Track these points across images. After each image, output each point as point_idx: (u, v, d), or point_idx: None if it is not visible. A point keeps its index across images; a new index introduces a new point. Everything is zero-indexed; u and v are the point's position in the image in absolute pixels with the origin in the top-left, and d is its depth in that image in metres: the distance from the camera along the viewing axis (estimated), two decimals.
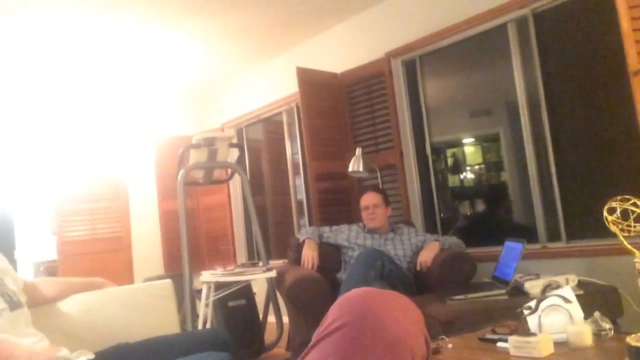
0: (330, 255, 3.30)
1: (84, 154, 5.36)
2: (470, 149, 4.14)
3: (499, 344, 1.56)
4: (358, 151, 3.75)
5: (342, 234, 3.34)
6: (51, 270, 5.21)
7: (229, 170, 4.26)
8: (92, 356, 1.62)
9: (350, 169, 3.73)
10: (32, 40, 4.15)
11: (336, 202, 4.10)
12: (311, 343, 0.84)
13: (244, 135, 5.85)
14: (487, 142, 4.05)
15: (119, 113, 5.68)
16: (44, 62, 4.66)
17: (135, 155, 5.74)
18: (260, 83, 5.42)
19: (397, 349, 0.80)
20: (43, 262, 5.40)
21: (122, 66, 5.00)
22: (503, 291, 2.41)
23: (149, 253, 5.59)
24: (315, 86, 4.14)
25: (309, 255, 3.16)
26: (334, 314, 0.84)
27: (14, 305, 1.56)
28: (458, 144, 4.15)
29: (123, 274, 5.22)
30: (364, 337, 0.80)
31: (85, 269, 4.86)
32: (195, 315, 3.37)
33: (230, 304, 3.60)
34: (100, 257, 5.20)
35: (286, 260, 3.50)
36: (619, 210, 1.22)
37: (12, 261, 5.40)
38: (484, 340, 1.65)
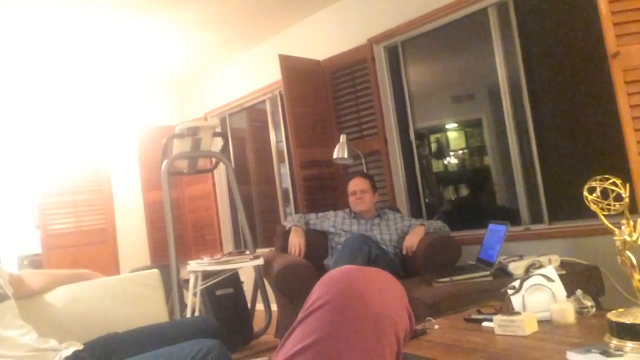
0: (317, 242, 3.32)
1: (66, 145, 5.30)
2: (453, 134, 4.18)
3: (485, 323, 1.59)
4: (342, 138, 3.76)
5: (328, 220, 3.35)
6: (35, 264, 5.16)
7: (214, 160, 4.23)
8: (81, 347, 1.62)
9: (335, 156, 3.74)
10: (12, 29, 4.06)
11: (322, 189, 4.12)
12: (296, 321, 0.85)
13: (228, 124, 5.82)
14: (470, 127, 4.08)
15: (101, 104, 5.61)
16: (25, 53, 4.57)
17: (118, 146, 5.69)
18: (243, 71, 5.38)
19: (380, 323, 0.81)
20: (27, 256, 5.34)
21: (103, 57, 4.92)
22: (487, 273, 2.46)
23: (135, 244, 5.57)
24: (299, 73, 4.13)
25: (296, 242, 3.17)
26: (317, 292, 0.86)
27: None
28: (441, 130, 4.18)
29: (109, 266, 5.19)
30: (347, 313, 0.81)
31: (70, 262, 4.82)
32: (183, 305, 3.37)
33: (218, 292, 3.61)
34: (85, 250, 5.17)
35: (273, 248, 3.51)
36: (598, 190, 1.24)
37: None
38: (469, 320, 1.69)
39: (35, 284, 1.88)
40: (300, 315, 0.86)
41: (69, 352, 1.55)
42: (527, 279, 1.64)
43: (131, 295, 2.06)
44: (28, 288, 1.85)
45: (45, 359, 1.50)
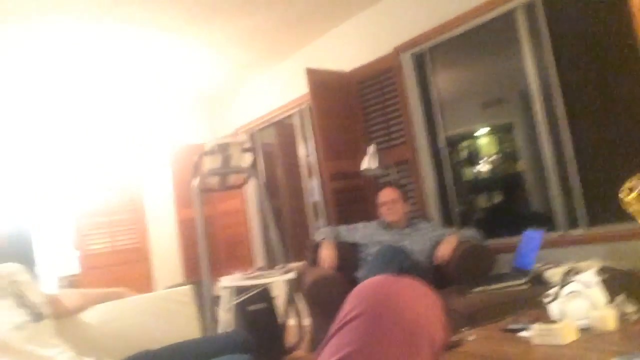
0: (348, 254, 3.29)
1: (101, 166, 5.43)
2: (484, 140, 4.10)
3: (522, 333, 1.55)
4: (371, 148, 3.74)
5: (358, 232, 3.33)
6: (74, 284, 5.28)
7: (244, 175, 4.27)
8: None
9: (364, 167, 3.72)
10: (50, 53, 4.22)
11: (352, 200, 4.09)
12: (329, 333, 0.84)
13: (257, 140, 5.87)
14: (501, 133, 4.01)
15: (133, 124, 5.74)
16: (62, 75, 4.73)
17: (151, 165, 5.80)
18: (271, 86, 5.44)
19: (415, 335, 0.79)
20: (66, 276, 5.47)
21: (135, 77, 5.05)
22: (523, 281, 2.39)
23: (168, 262, 5.64)
24: (326, 86, 4.14)
25: (327, 255, 3.16)
26: (350, 304, 0.84)
27: (37, 317, 1.58)
28: (472, 136, 4.11)
29: (144, 284, 5.27)
30: (381, 325, 0.79)
31: (107, 281, 4.91)
32: (216, 321, 3.39)
33: (251, 308, 3.61)
34: (120, 269, 5.26)
35: (304, 262, 3.50)
36: (637, 191, 1.20)
37: (34, 277, 5.48)
38: (506, 330, 1.64)
39: (71, 303, 1.92)
40: (333, 327, 0.84)
41: None
42: (564, 286, 1.59)
43: (165, 312, 2.08)
44: (64, 307, 1.89)
45: None
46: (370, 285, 0.87)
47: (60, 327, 1.71)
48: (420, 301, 0.84)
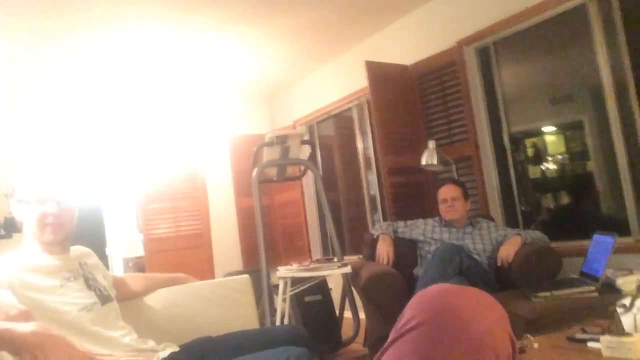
0: (406, 250, 3.25)
1: (166, 154, 5.61)
2: (551, 138, 3.93)
3: (590, 343, 1.47)
4: (431, 144, 3.67)
5: (417, 229, 3.28)
6: (139, 266, 5.51)
7: (302, 167, 4.30)
8: (177, 349, 1.69)
9: (423, 162, 3.66)
10: (123, 52, 4.47)
11: (410, 196, 4.04)
12: (388, 341, 0.82)
13: (316, 132, 5.90)
14: (570, 130, 3.82)
15: (197, 115, 5.90)
16: (133, 72, 4.97)
17: (213, 154, 5.94)
18: (330, 79, 5.43)
19: (480, 350, 0.75)
20: (131, 258, 5.73)
21: (199, 70, 5.18)
22: (593, 288, 2.27)
23: (228, 249, 5.77)
24: (385, 79, 4.09)
25: (384, 250, 3.13)
26: (411, 312, 0.81)
27: (104, 299, 1.65)
28: (538, 133, 3.95)
29: (205, 269, 5.43)
30: (444, 337, 0.76)
31: (170, 265, 5.09)
32: (273, 310, 3.44)
33: (307, 299, 3.64)
34: (183, 254, 5.43)
35: (361, 256, 3.49)
36: None
37: (104, 257, 5.78)
38: (572, 339, 1.56)
39: (137, 286, 1.99)
40: (392, 335, 0.82)
41: (165, 353, 1.62)
42: (639, 296, 1.49)
43: (224, 300, 2.12)
44: (130, 290, 1.96)
45: None
46: (433, 293, 0.83)
47: (124, 309, 1.77)
48: (486, 314, 0.80)
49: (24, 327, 1.05)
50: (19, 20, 3.63)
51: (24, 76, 4.70)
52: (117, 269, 5.70)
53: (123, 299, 1.87)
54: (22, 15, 3.58)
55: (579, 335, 1.56)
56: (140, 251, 5.57)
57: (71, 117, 5.25)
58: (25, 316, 1.14)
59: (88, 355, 1.15)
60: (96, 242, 5.46)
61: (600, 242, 2.46)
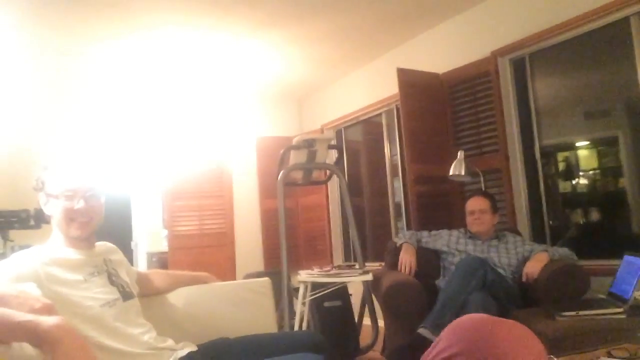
0: (429, 260, 3.21)
1: (194, 153, 5.67)
2: (584, 153, 3.84)
3: None
4: (460, 154, 3.62)
5: (441, 239, 3.23)
6: (162, 261, 5.57)
7: (328, 172, 4.29)
8: (195, 348, 1.70)
9: (451, 173, 3.61)
10: (160, 52, 4.58)
11: (436, 206, 3.99)
12: None
13: (343, 137, 5.89)
14: (604, 146, 3.73)
15: (226, 115, 5.96)
16: (167, 71, 5.07)
17: (240, 154, 5.99)
18: (360, 84, 5.42)
19: None
20: (155, 253, 5.80)
21: (231, 72, 5.23)
22: (621, 309, 2.20)
23: (250, 249, 5.80)
24: (416, 87, 4.06)
25: (407, 259, 3.09)
26: (447, 340, 0.79)
27: (126, 295, 1.67)
28: (571, 148, 3.86)
29: (227, 268, 5.46)
30: None
31: (193, 262, 5.14)
32: (292, 313, 3.44)
33: (326, 304, 3.63)
34: (206, 251, 5.47)
35: (383, 264, 3.46)
36: None
37: (129, 251, 5.87)
38: None
39: (160, 283, 2.01)
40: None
41: (183, 352, 1.63)
42: None
43: (243, 302, 2.12)
44: (154, 286, 1.98)
45: (162, 358, 1.59)
46: (470, 323, 0.81)
47: (144, 306, 1.78)
48: (523, 348, 0.77)
49: (47, 320, 1.07)
50: (64, 16, 3.76)
51: (57, 70, 4.83)
52: (141, 264, 5.78)
53: (146, 294, 1.89)
54: (70, 14, 3.74)
55: (605, 359, 1.52)
56: (164, 247, 5.64)
57: (103, 113, 5.35)
58: (49, 310, 1.16)
59: None
60: (123, 236, 5.56)
61: (631, 263, 2.39)
